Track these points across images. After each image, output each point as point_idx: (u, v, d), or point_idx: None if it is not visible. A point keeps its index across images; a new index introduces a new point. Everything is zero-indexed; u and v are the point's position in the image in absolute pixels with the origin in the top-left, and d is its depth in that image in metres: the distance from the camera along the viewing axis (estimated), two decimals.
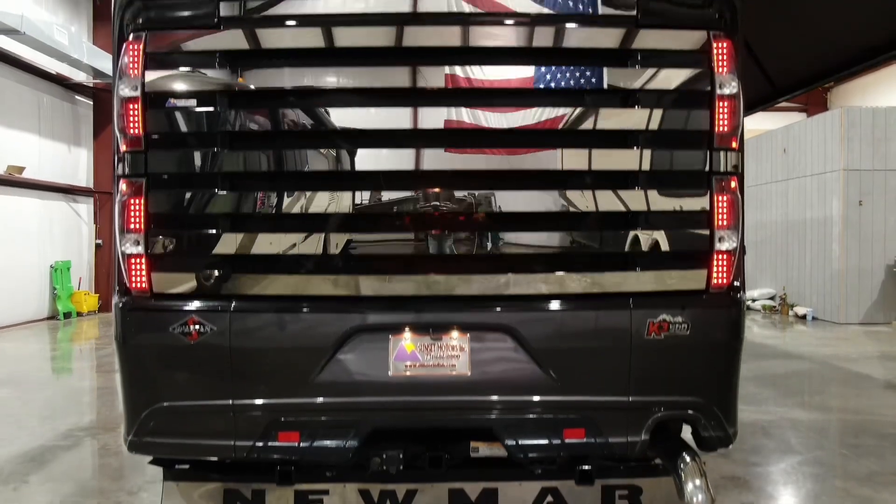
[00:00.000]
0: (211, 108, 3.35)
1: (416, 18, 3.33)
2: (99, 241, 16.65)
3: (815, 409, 7.31)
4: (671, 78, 3.39)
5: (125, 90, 3.37)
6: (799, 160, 16.01)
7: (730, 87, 3.44)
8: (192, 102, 3.37)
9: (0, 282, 13.33)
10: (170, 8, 3.40)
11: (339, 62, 3.35)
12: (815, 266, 15.39)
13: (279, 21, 3.38)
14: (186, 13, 3.38)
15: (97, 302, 16.26)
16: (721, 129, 3.44)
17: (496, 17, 3.39)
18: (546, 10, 3.38)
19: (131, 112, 3.38)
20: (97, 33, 16.83)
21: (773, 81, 8.50)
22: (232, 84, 3.37)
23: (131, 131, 3.39)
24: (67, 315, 15.25)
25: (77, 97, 16.36)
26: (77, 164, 16.44)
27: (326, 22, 3.33)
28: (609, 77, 3.38)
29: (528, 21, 3.35)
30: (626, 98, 3.40)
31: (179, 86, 3.39)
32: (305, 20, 3.35)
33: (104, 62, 14.43)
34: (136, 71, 3.36)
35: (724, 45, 3.43)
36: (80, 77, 15.51)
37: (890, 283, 14.32)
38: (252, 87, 3.38)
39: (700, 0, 3.43)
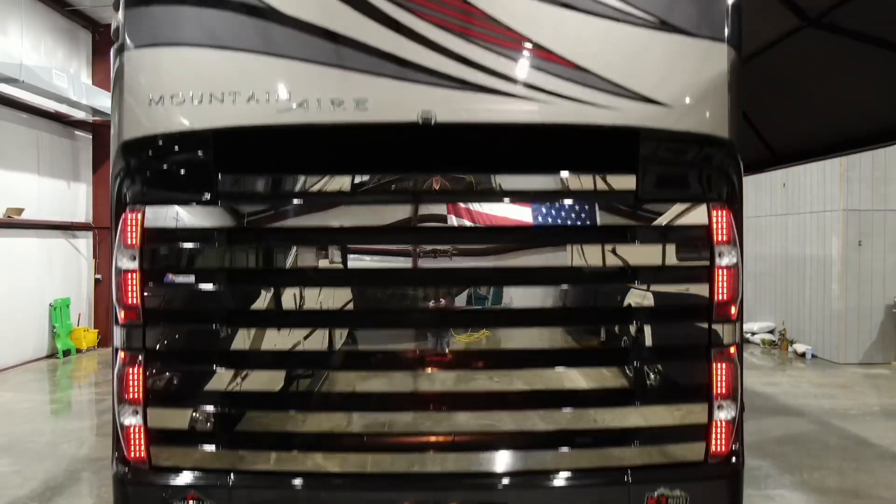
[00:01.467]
0: (210, 285, 3.35)
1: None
2: (98, 276, 16.63)
3: (814, 490, 7.31)
4: (670, 251, 3.39)
5: (123, 261, 3.37)
6: (798, 196, 16.00)
7: (729, 256, 3.44)
8: (191, 279, 3.37)
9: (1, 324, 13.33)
10: (168, 182, 3.40)
11: (339, 243, 3.35)
12: (814, 303, 15.38)
13: (277, 199, 3.38)
14: (185, 188, 3.38)
15: (96, 337, 16.24)
16: (721, 297, 3.44)
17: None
18: (547, 186, 3.38)
19: (130, 283, 3.37)
20: (96, 68, 16.80)
21: (772, 150, 8.49)
22: (231, 261, 3.37)
23: (129, 302, 3.38)
24: (67, 353, 15.23)
25: (76, 132, 16.35)
26: (76, 200, 16.44)
27: (325, 204, 3.33)
28: (608, 253, 3.38)
29: (530, 199, 3.35)
30: (624, 273, 3.40)
31: (178, 261, 3.39)
32: (305, 196, 3.36)
33: (103, 101, 14.40)
34: (134, 243, 3.36)
35: (724, 214, 3.43)
36: (79, 115, 15.50)
37: (889, 323, 14.31)
38: (251, 265, 3.38)
39: (699, 175, 3.44)
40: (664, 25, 3.32)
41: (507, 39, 3.27)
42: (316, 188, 3.35)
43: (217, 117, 3.25)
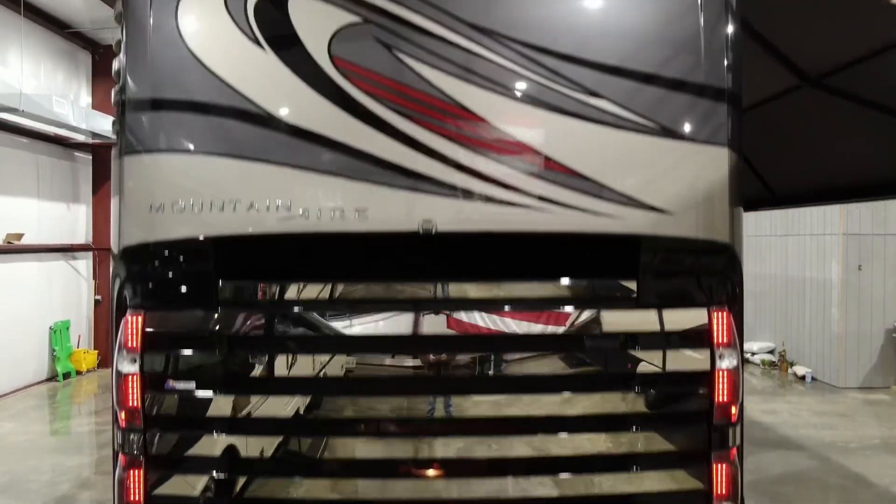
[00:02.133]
0: (211, 392, 3.36)
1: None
2: (98, 297, 16.64)
3: None
4: (670, 355, 3.39)
5: (124, 364, 3.37)
6: (798, 218, 16.00)
7: (729, 359, 3.44)
8: (192, 384, 3.37)
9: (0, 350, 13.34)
10: (169, 288, 3.40)
11: (339, 352, 3.35)
12: (814, 326, 15.39)
13: (276, 306, 3.38)
14: (185, 294, 3.38)
15: (96, 358, 16.24)
16: (721, 399, 3.44)
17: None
18: (547, 293, 3.38)
19: (130, 387, 3.37)
20: (96, 88, 16.81)
21: (773, 192, 8.49)
22: (232, 367, 3.37)
23: (130, 404, 3.38)
24: (67, 375, 15.24)
25: (76, 153, 16.36)
26: (76, 221, 16.44)
27: (325, 313, 3.33)
28: (609, 360, 3.38)
29: (530, 318, 3.35)
30: (625, 379, 3.40)
31: (179, 365, 3.39)
32: (305, 304, 3.36)
33: (104, 125, 14.40)
34: (134, 346, 3.36)
35: (724, 316, 3.43)
36: (79, 138, 15.50)
37: (889, 347, 14.32)
38: (252, 372, 3.38)
39: (699, 280, 3.44)
40: (665, 132, 3.32)
41: (507, 147, 3.27)
42: (316, 296, 3.35)
43: (217, 226, 3.25)
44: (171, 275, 3.35)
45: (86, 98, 16.40)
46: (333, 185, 3.25)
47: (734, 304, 3.45)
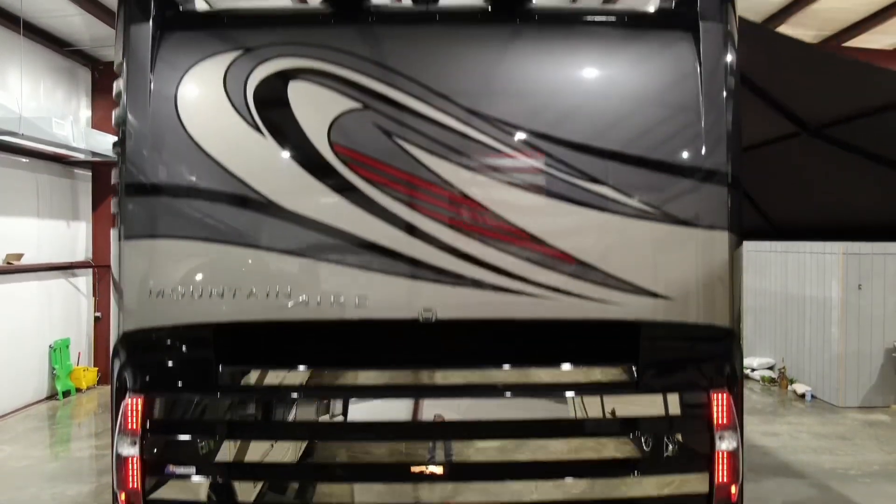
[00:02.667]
0: (210, 476, 3.36)
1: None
2: (98, 314, 16.64)
3: None
4: (670, 437, 3.39)
5: (124, 447, 3.37)
6: None
7: (729, 440, 3.44)
8: (192, 468, 3.37)
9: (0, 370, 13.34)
10: (169, 373, 3.40)
11: (339, 438, 3.35)
12: (814, 344, 15.39)
13: (276, 391, 3.38)
14: (186, 379, 3.38)
15: (96, 375, 16.25)
16: (721, 480, 3.44)
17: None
18: (546, 379, 3.39)
19: (130, 469, 3.38)
20: (96, 105, 16.82)
21: (773, 225, 8.49)
22: (232, 452, 3.37)
23: (130, 486, 3.38)
24: (67, 393, 15.24)
25: (75, 170, 16.36)
26: (76, 238, 16.44)
27: (324, 399, 3.33)
28: (610, 443, 3.38)
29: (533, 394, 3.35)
30: (625, 462, 3.40)
31: (179, 449, 3.40)
32: (304, 390, 3.36)
33: (104, 143, 14.39)
34: (134, 428, 3.36)
35: (724, 398, 3.44)
36: (79, 156, 15.49)
37: (889, 367, 14.32)
38: (252, 457, 3.38)
39: (699, 364, 3.44)
40: (666, 217, 3.32)
41: (507, 234, 3.27)
42: (315, 382, 3.35)
43: (217, 312, 3.25)
44: (171, 360, 3.35)
45: (86, 112, 16.40)
46: (333, 273, 3.25)
47: (734, 386, 3.46)
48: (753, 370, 17.21)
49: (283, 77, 3.32)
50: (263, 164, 3.30)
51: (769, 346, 17.29)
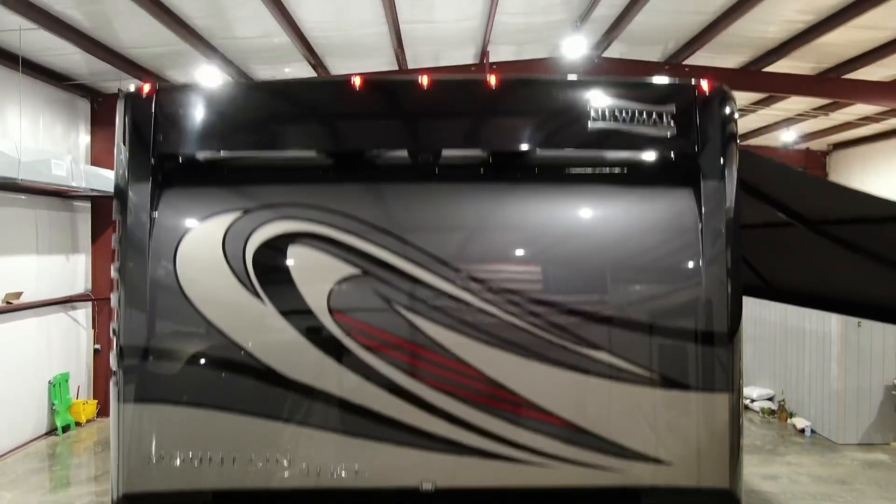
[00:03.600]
0: None
1: None
2: (97, 347, 16.63)
3: None
4: None
5: None
6: None
7: None
8: None
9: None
10: None
11: None
12: (813, 379, 15.40)
13: None
14: None
15: (95, 408, 16.24)
16: None
17: None
18: None
19: None
20: (95, 136, 16.81)
21: (772, 288, 8.49)
22: None
23: None
24: (66, 428, 15.24)
25: (74, 203, 16.34)
26: (75, 271, 16.42)
27: None
28: None
29: None
30: None
31: None
32: None
33: (104, 181, 14.39)
34: None
35: None
36: (78, 191, 15.48)
37: (889, 404, 14.33)
38: None
39: None
40: (666, 382, 3.31)
41: (508, 403, 3.26)
42: None
43: (216, 479, 3.24)
44: None
45: (85, 138, 16.37)
46: (334, 441, 3.24)
47: None
48: (753, 401, 17.21)
49: (283, 240, 3.31)
50: (263, 330, 3.29)
51: (768, 377, 17.30)
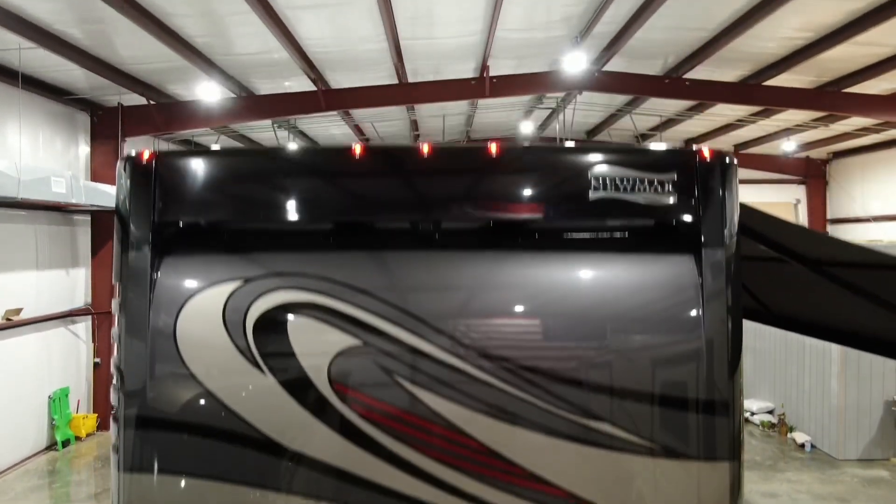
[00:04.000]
0: None
1: None
2: (97, 360, 16.63)
3: None
4: None
5: None
6: None
7: None
8: None
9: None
10: None
11: None
12: (813, 393, 15.39)
13: None
14: None
15: (95, 422, 16.24)
16: None
17: None
18: None
19: None
20: (95, 150, 16.79)
21: (772, 313, 8.49)
22: None
23: None
24: (66, 443, 15.23)
25: (74, 216, 16.33)
26: (75, 285, 16.41)
27: None
28: None
29: None
30: None
31: None
32: None
33: (104, 196, 14.39)
34: None
35: None
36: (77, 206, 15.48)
37: (888, 420, 14.33)
38: None
39: None
40: (666, 452, 3.31)
41: (508, 474, 3.26)
42: None
43: None
44: None
45: (85, 150, 16.36)
46: None
47: None
48: (753, 414, 17.21)
49: (283, 311, 3.31)
50: (263, 401, 3.29)
51: (768, 389, 17.30)
